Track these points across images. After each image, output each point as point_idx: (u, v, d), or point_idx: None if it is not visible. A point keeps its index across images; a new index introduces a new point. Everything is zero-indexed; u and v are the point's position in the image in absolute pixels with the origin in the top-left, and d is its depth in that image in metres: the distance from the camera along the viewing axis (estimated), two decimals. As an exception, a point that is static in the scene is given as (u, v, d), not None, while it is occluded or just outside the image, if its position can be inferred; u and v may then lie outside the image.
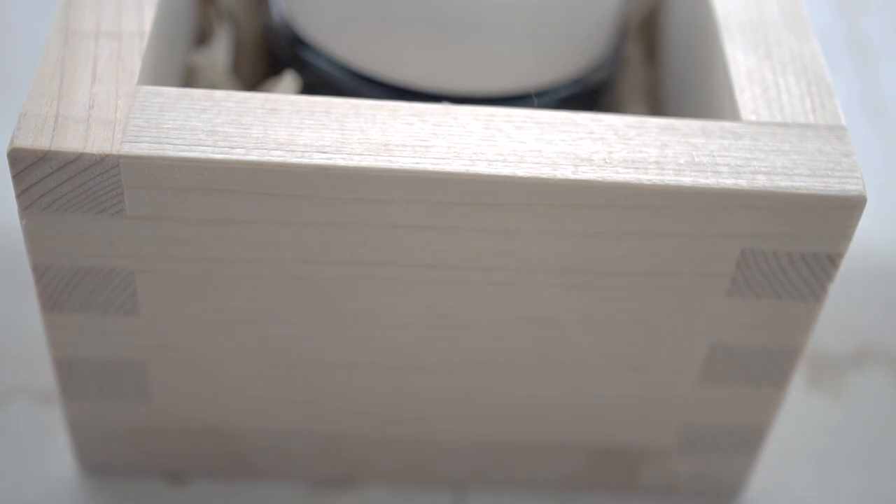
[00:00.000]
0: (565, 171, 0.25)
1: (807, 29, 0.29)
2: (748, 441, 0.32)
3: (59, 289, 0.27)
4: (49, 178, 0.25)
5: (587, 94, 0.32)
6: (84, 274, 0.27)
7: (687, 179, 0.25)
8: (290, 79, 0.29)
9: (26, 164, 0.24)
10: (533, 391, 0.30)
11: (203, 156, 0.24)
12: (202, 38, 0.35)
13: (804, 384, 0.37)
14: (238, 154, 0.25)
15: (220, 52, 0.33)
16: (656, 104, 0.36)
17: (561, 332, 0.28)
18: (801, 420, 0.36)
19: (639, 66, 0.36)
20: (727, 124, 0.27)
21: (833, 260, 0.27)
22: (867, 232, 0.41)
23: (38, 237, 0.26)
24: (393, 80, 0.30)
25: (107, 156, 0.24)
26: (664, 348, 0.29)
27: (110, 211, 0.25)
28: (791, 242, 0.26)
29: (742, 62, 0.28)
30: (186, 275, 0.27)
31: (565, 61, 0.31)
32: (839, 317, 0.39)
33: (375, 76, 0.30)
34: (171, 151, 0.24)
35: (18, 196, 0.25)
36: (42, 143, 0.24)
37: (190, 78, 0.32)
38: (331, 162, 0.25)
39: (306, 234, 0.26)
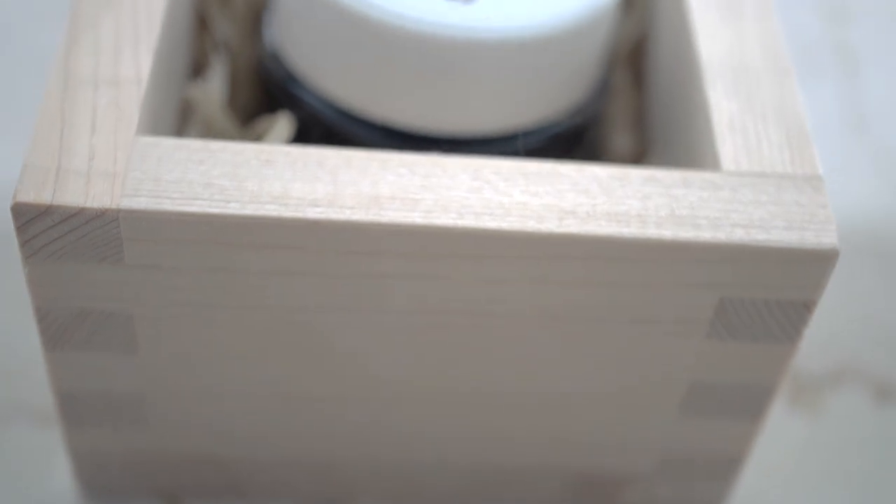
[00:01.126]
0: (550, 225, 0.26)
1: (787, 72, 0.30)
2: (726, 468, 0.33)
3: (59, 330, 0.28)
4: (51, 230, 0.25)
5: (575, 130, 0.33)
6: (84, 317, 0.27)
7: (667, 233, 0.26)
8: (284, 122, 0.30)
9: (29, 217, 0.25)
10: (517, 420, 0.31)
11: (200, 210, 0.25)
12: (199, 67, 0.35)
13: (783, 403, 0.38)
14: (233, 208, 0.25)
15: (215, 84, 0.33)
16: (643, 132, 0.36)
17: (545, 368, 0.29)
18: (779, 438, 0.37)
19: (626, 94, 0.37)
20: (707, 175, 0.27)
21: (808, 306, 0.28)
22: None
23: (39, 283, 0.27)
24: (383, 120, 0.31)
25: (106, 210, 0.25)
26: (645, 385, 0.30)
27: (110, 260, 0.26)
28: (767, 291, 0.27)
29: (724, 108, 0.29)
30: (184, 318, 0.28)
31: (553, 101, 0.32)
32: (818, 336, 0.40)
33: (364, 116, 0.31)
34: (168, 206, 0.25)
35: (21, 245, 0.26)
36: (44, 197, 0.25)
37: (187, 110, 0.33)
38: (323, 216, 0.26)
39: (300, 283, 0.27)
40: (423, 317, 0.28)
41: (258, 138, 0.32)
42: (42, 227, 0.25)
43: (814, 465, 0.37)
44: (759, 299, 0.27)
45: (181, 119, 0.33)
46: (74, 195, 0.25)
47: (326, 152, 0.27)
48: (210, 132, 0.33)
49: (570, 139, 0.33)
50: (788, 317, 0.28)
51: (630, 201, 0.27)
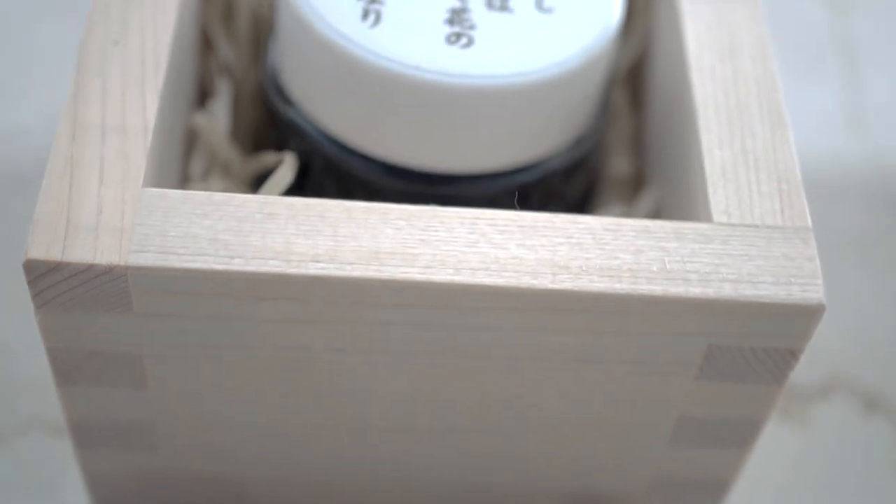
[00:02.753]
0: (544, 281, 0.27)
1: (782, 117, 0.30)
2: (716, 489, 0.34)
3: (70, 368, 0.29)
4: (61, 284, 0.26)
5: (576, 160, 0.33)
6: (95, 357, 0.28)
7: (658, 288, 0.27)
8: (287, 166, 0.31)
9: (40, 273, 0.26)
10: (511, 448, 0.32)
11: (205, 266, 0.26)
12: (204, 87, 0.36)
13: (772, 415, 0.39)
14: (237, 264, 0.26)
15: (220, 114, 0.34)
16: (641, 152, 0.37)
17: (538, 404, 0.30)
18: (768, 451, 0.38)
19: (624, 115, 0.37)
20: (699, 226, 0.28)
21: (794, 354, 0.28)
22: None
23: (51, 328, 0.28)
24: (382, 157, 0.31)
25: (115, 267, 0.26)
26: (635, 418, 0.31)
27: (118, 309, 0.27)
28: (754, 340, 0.28)
29: (717, 157, 0.29)
30: (191, 358, 0.29)
31: (553, 138, 0.32)
32: (807, 348, 0.40)
33: (363, 152, 0.32)
34: (174, 262, 0.26)
35: (33, 297, 0.27)
36: (54, 253, 0.26)
37: (193, 137, 0.34)
38: (324, 272, 0.26)
39: (302, 329, 0.28)
40: (420, 358, 0.29)
41: (261, 172, 0.33)
42: (53, 281, 0.26)
43: (803, 477, 0.38)
44: (746, 347, 0.28)
45: (187, 145, 0.34)
46: (83, 251, 0.26)
47: (327, 204, 0.28)
48: (214, 160, 0.34)
49: (571, 168, 0.33)
50: (775, 362, 0.29)
51: (622, 255, 0.27)
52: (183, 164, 0.34)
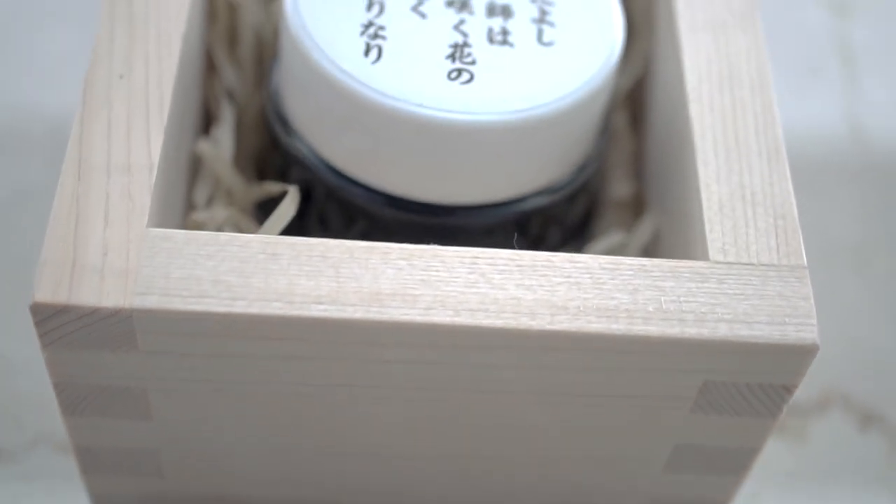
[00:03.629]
0: (542, 322, 0.27)
1: (779, 149, 0.31)
2: (711, 510, 0.34)
3: (76, 400, 0.29)
4: (67, 325, 0.27)
5: (578, 187, 0.34)
6: (100, 391, 0.29)
7: (654, 329, 0.27)
8: (290, 200, 0.31)
9: (47, 315, 0.27)
10: (509, 474, 0.33)
11: (208, 309, 0.27)
12: (208, 112, 0.36)
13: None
14: (240, 307, 0.27)
15: (224, 139, 0.34)
16: (639, 175, 0.37)
17: (536, 433, 0.31)
18: (764, 465, 0.39)
19: (624, 137, 0.38)
20: (695, 265, 0.28)
21: (788, 389, 0.29)
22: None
23: (57, 364, 0.28)
24: (385, 189, 0.32)
25: (120, 310, 0.26)
26: (632, 447, 0.31)
27: (124, 347, 0.28)
28: (749, 376, 0.28)
29: (714, 192, 0.30)
30: (195, 391, 0.29)
31: (554, 168, 0.32)
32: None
33: (365, 183, 0.32)
34: (178, 304, 0.27)
35: (40, 336, 0.27)
36: (60, 296, 0.26)
37: (197, 162, 0.34)
38: (326, 314, 0.27)
39: (304, 366, 0.28)
40: (420, 392, 0.29)
41: (266, 197, 0.34)
42: (59, 322, 0.27)
43: (799, 492, 0.39)
44: (741, 382, 0.29)
45: (192, 170, 0.34)
46: (89, 294, 0.27)
47: (329, 244, 0.28)
48: (218, 187, 0.34)
49: (571, 195, 0.34)
50: (770, 397, 0.29)
51: (620, 295, 0.28)
52: (188, 190, 0.34)
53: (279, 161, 0.35)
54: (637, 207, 0.37)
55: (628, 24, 0.38)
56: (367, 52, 0.30)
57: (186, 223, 0.33)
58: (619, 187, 0.37)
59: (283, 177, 0.34)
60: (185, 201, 0.34)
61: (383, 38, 0.31)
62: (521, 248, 0.34)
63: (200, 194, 0.34)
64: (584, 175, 0.33)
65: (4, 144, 0.44)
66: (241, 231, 0.34)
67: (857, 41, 0.51)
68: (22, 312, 0.40)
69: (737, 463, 0.32)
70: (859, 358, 0.42)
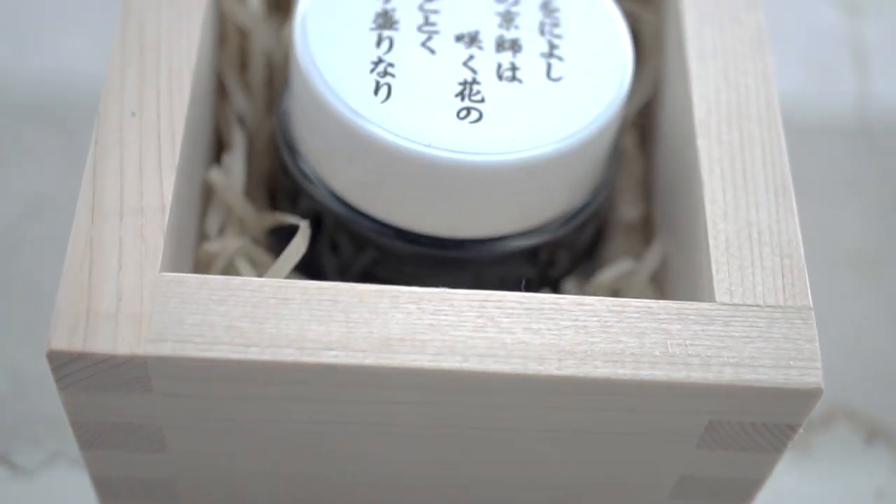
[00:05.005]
0: (550, 367, 0.28)
1: (786, 184, 0.31)
2: (716, 533, 0.35)
3: (93, 437, 0.30)
4: (83, 371, 0.27)
5: (588, 215, 0.34)
6: (116, 428, 0.30)
7: (660, 373, 0.28)
8: (300, 237, 0.31)
9: (63, 362, 0.27)
10: (515, 499, 0.33)
11: (222, 356, 0.27)
12: (219, 136, 0.36)
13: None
14: (253, 353, 0.27)
15: (235, 167, 0.35)
16: (648, 196, 0.37)
17: (544, 466, 0.31)
18: (770, 480, 0.39)
19: (633, 159, 0.38)
20: (702, 307, 0.29)
21: (793, 427, 0.29)
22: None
23: (74, 405, 0.29)
24: (394, 223, 0.32)
25: (134, 356, 0.27)
26: (638, 479, 0.32)
27: (138, 390, 0.28)
28: (754, 416, 0.29)
29: (721, 231, 0.30)
30: (209, 429, 0.30)
31: (563, 202, 0.33)
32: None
33: (374, 216, 0.32)
34: (192, 351, 0.27)
35: (57, 380, 0.28)
36: (76, 344, 0.27)
37: (210, 190, 0.35)
38: (337, 360, 0.27)
39: (315, 407, 0.29)
40: (429, 430, 0.30)
41: (276, 226, 0.34)
42: (75, 368, 0.27)
43: (803, 505, 0.39)
44: (746, 422, 0.29)
45: (205, 197, 0.35)
46: (104, 341, 0.27)
47: (340, 288, 0.28)
48: (230, 216, 0.34)
49: (583, 223, 0.34)
50: (774, 434, 0.30)
51: (626, 338, 0.28)
52: (200, 218, 0.34)
53: (290, 185, 0.35)
54: (646, 229, 0.38)
55: (638, 45, 0.38)
56: (376, 91, 0.30)
57: (199, 253, 0.34)
58: (627, 210, 0.37)
59: (293, 200, 0.35)
60: (197, 230, 0.34)
61: (392, 75, 0.31)
62: (530, 275, 0.34)
63: (212, 224, 0.34)
64: (595, 204, 0.34)
65: (13, 157, 0.45)
66: (253, 262, 0.34)
67: (870, 41, 0.51)
68: (40, 329, 0.40)
69: (742, 492, 0.32)
70: (865, 370, 0.42)
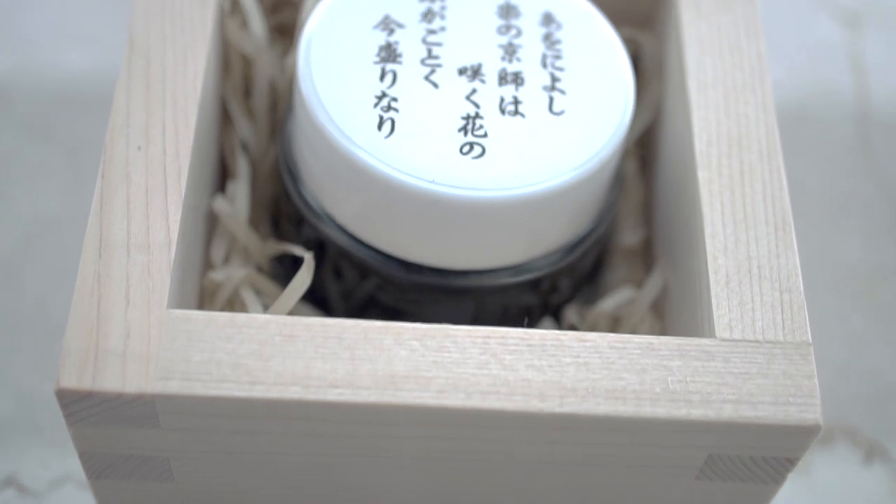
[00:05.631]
0: (552, 404, 0.28)
1: (786, 217, 0.31)
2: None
3: (101, 468, 0.30)
4: (92, 408, 0.28)
5: (591, 242, 0.34)
6: (124, 460, 0.30)
7: (661, 410, 0.28)
8: (305, 270, 0.32)
9: (72, 400, 0.27)
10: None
11: (228, 394, 0.27)
12: (224, 162, 0.37)
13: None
14: (259, 391, 0.28)
15: (240, 196, 0.35)
16: (648, 220, 0.38)
17: (546, 495, 0.32)
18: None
19: (634, 185, 0.38)
20: (702, 343, 0.29)
21: (791, 461, 0.30)
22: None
23: (82, 439, 0.29)
24: (397, 255, 0.32)
25: (142, 395, 0.27)
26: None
27: (147, 426, 0.28)
28: (753, 451, 0.29)
29: (722, 265, 0.30)
30: (215, 460, 0.30)
31: (565, 233, 0.33)
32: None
33: (377, 248, 0.33)
34: (199, 389, 0.27)
35: (66, 416, 0.28)
36: (84, 383, 0.27)
37: (215, 218, 0.35)
38: (342, 398, 0.28)
39: (320, 440, 0.29)
40: (432, 462, 0.30)
41: (280, 254, 0.34)
42: (84, 405, 0.28)
43: (801, 524, 0.40)
44: (745, 456, 0.30)
45: (210, 224, 0.35)
46: (112, 380, 0.27)
47: (345, 325, 0.29)
48: (235, 245, 0.35)
49: (586, 251, 0.34)
50: (773, 466, 0.30)
51: (627, 375, 0.29)
52: (206, 245, 0.35)
53: (293, 211, 0.35)
54: (646, 254, 0.38)
55: (638, 71, 0.38)
56: (380, 126, 0.31)
57: (204, 282, 0.34)
58: (628, 235, 0.38)
59: (297, 226, 0.35)
60: (203, 258, 0.34)
61: (396, 110, 0.31)
62: (532, 302, 0.35)
63: (217, 252, 0.34)
64: (597, 233, 0.34)
65: (19, 174, 0.45)
66: (258, 291, 0.34)
67: (869, 54, 0.51)
68: (48, 350, 0.41)
69: (741, 519, 0.33)
70: (864, 390, 0.42)
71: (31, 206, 0.44)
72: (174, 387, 0.27)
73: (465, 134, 0.31)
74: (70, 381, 0.27)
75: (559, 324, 0.36)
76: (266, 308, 0.34)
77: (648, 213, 0.38)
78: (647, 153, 0.38)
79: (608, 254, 0.37)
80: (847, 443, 0.41)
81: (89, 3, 0.49)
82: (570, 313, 0.35)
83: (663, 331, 0.35)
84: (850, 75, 0.50)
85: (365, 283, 0.34)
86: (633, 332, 0.35)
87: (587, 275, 0.36)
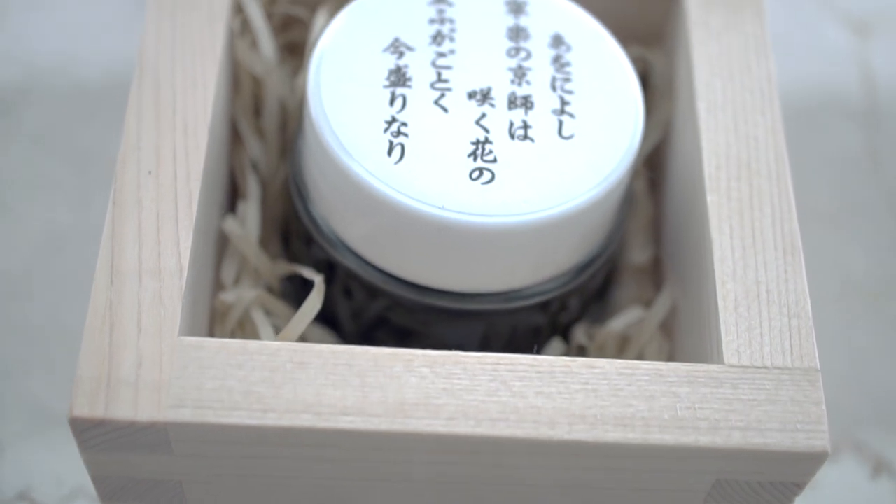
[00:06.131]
0: (561, 431, 0.28)
1: (795, 242, 0.31)
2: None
3: (113, 490, 0.31)
4: (105, 435, 0.28)
5: (601, 265, 0.34)
6: (137, 483, 0.30)
7: (669, 437, 0.28)
8: (315, 294, 0.32)
9: (85, 427, 0.28)
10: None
11: (240, 422, 0.28)
12: (234, 182, 0.37)
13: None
14: (271, 419, 0.28)
15: (250, 216, 0.35)
16: (657, 239, 0.38)
17: (555, 516, 0.32)
18: (777, 514, 0.40)
19: (643, 201, 0.38)
20: (710, 369, 0.29)
21: (799, 485, 0.30)
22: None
23: (96, 464, 0.29)
24: (405, 277, 0.32)
25: (154, 423, 0.28)
26: (647, 528, 0.33)
27: (159, 451, 0.29)
28: (760, 476, 0.29)
29: (730, 290, 0.30)
30: (227, 484, 0.30)
31: (575, 255, 0.33)
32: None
33: (387, 271, 0.33)
34: (211, 417, 0.28)
35: (79, 443, 0.28)
36: (97, 411, 0.27)
37: (226, 239, 0.35)
38: (353, 426, 0.28)
39: (331, 465, 0.29)
40: (442, 486, 0.30)
41: (290, 274, 0.35)
42: (97, 433, 0.28)
43: (808, 539, 0.40)
44: (753, 481, 0.30)
45: (220, 244, 0.35)
46: (124, 408, 0.28)
47: (354, 352, 0.29)
48: (245, 265, 0.35)
49: (596, 271, 0.34)
50: (780, 490, 0.30)
51: (636, 402, 0.29)
52: (217, 265, 0.35)
53: (303, 230, 0.35)
54: (655, 272, 0.38)
55: (648, 89, 0.38)
56: (390, 152, 0.31)
57: (215, 303, 0.34)
58: (637, 254, 0.38)
59: (307, 244, 0.35)
60: (214, 278, 0.35)
61: (406, 135, 0.31)
62: (541, 322, 0.35)
63: (228, 273, 0.35)
64: (607, 253, 0.34)
65: (30, 187, 0.45)
66: (268, 312, 0.34)
67: (878, 61, 0.51)
68: (60, 365, 0.41)
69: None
70: (871, 403, 0.42)
71: (41, 218, 0.44)
72: (186, 415, 0.28)
73: (475, 159, 0.31)
74: (83, 410, 0.28)
75: (568, 344, 0.36)
76: (277, 329, 0.34)
77: (657, 230, 0.38)
78: (656, 173, 0.39)
79: (617, 271, 0.37)
80: (854, 456, 0.41)
81: (98, 14, 0.49)
82: (579, 333, 0.35)
83: (672, 351, 0.35)
84: (858, 82, 0.50)
85: (375, 303, 0.34)
86: (642, 352, 0.35)
87: (596, 293, 0.36)
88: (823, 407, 0.29)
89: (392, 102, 0.32)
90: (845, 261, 0.45)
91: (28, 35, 0.49)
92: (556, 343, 0.35)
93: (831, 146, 0.49)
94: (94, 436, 0.28)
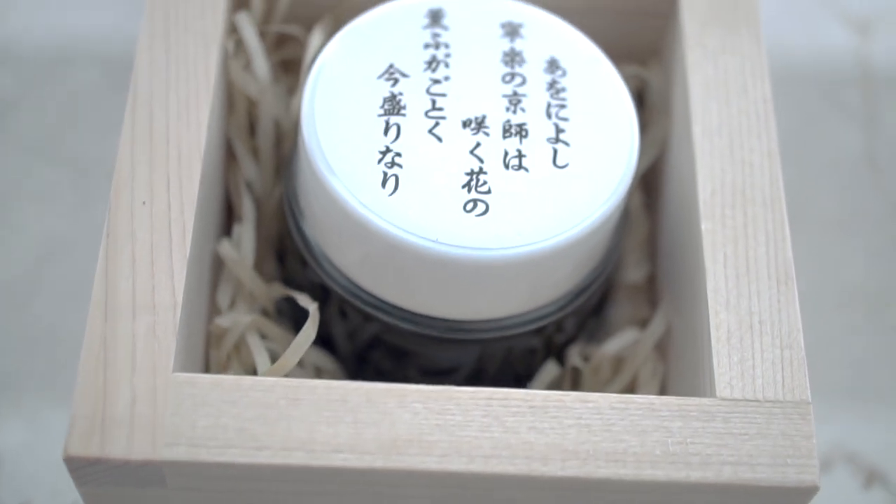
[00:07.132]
0: (553, 468, 0.28)
1: (788, 271, 0.31)
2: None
3: (111, 519, 0.31)
4: (100, 473, 0.28)
5: (594, 292, 0.34)
6: (132, 512, 0.31)
7: (661, 473, 0.28)
8: (310, 323, 0.32)
9: (80, 466, 0.28)
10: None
11: (233, 460, 0.28)
12: (229, 203, 0.37)
13: None
14: (264, 457, 0.28)
15: (245, 239, 0.35)
16: (652, 256, 0.38)
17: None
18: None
19: (638, 219, 0.38)
20: (702, 403, 0.29)
21: (791, 513, 0.30)
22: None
23: (92, 496, 0.30)
24: (399, 305, 0.33)
25: (149, 461, 0.28)
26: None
27: (153, 486, 0.29)
28: (753, 506, 0.30)
29: (723, 320, 0.31)
30: (222, 514, 0.31)
31: (571, 282, 0.33)
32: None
33: (381, 298, 0.33)
34: (205, 456, 0.28)
35: (74, 479, 0.29)
36: (92, 450, 0.28)
37: (220, 262, 0.35)
38: (346, 464, 0.28)
39: (324, 499, 0.30)
40: (438, 513, 0.31)
41: (286, 296, 0.35)
42: (92, 471, 0.28)
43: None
44: (745, 512, 0.30)
45: (216, 267, 0.35)
46: (119, 447, 0.28)
47: (348, 388, 0.29)
48: (241, 289, 0.35)
49: (591, 295, 0.34)
50: (773, 520, 0.30)
51: (628, 437, 0.29)
52: (212, 287, 0.35)
53: (298, 252, 0.35)
54: (650, 290, 0.38)
55: (643, 108, 0.38)
56: (384, 183, 0.31)
57: (211, 328, 0.34)
58: (633, 272, 0.38)
59: (302, 264, 0.35)
60: (209, 302, 0.35)
61: (400, 165, 0.31)
62: (536, 345, 0.35)
63: (223, 297, 0.35)
64: (602, 277, 0.34)
65: (27, 195, 0.45)
66: (264, 335, 0.35)
67: (878, 60, 0.51)
68: (58, 376, 0.41)
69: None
70: (865, 412, 0.42)
71: (40, 227, 0.44)
72: (181, 453, 0.28)
73: (469, 191, 0.31)
74: (77, 450, 0.28)
75: (563, 365, 0.36)
76: (272, 354, 0.34)
77: (653, 248, 0.38)
78: (651, 187, 0.38)
79: (613, 290, 0.38)
80: (848, 466, 0.41)
81: (95, 20, 0.49)
82: (574, 355, 0.36)
83: (666, 373, 0.35)
84: (858, 82, 0.50)
85: (369, 324, 0.34)
86: (637, 373, 0.36)
87: (592, 311, 0.36)
88: (814, 440, 0.29)
89: (386, 132, 0.32)
90: (841, 269, 0.45)
91: (25, 41, 0.49)
92: (551, 366, 0.35)
93: (831, 146, 0.48)
94: (89, 472, 0.28)
